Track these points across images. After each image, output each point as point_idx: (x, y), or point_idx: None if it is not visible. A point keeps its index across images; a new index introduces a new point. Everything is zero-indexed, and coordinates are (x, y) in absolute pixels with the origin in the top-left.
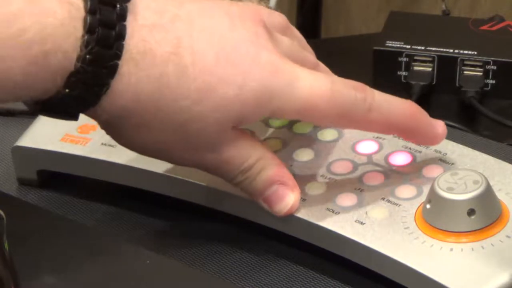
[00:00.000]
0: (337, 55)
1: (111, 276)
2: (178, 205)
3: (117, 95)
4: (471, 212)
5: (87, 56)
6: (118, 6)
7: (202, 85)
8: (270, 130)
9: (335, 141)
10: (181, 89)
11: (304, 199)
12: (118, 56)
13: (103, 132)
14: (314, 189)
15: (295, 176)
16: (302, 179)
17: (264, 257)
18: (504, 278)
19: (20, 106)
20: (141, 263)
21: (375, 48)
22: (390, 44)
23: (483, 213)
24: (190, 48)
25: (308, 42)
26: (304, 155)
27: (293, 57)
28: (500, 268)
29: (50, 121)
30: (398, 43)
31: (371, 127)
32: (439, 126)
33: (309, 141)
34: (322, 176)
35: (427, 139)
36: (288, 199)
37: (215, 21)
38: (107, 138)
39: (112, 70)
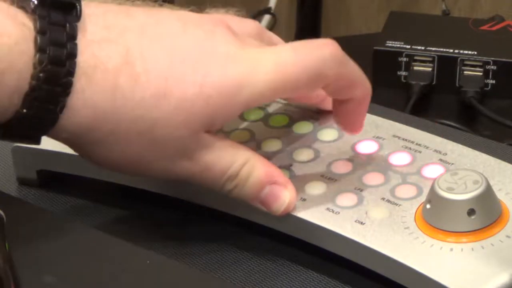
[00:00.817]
0: None
1: (111, 276)
2: (177, 205)
3: (74, 112)
4: (471, 212)
5: (41, 75)
6: (67, 25)
7: (157, 90)
8: (270, 130)
9: (335, 141)
10: (135, 98)
11: (304, 199)
12: (71, 73)
13: None
14: (314, 189)
15: (295, 176)
16: (302, 179)
17: (264, 257)
18: (504, 278)
19: None
20: (141, 263)
21: (375, 48)
22: (390, 44)
23: (483, 213)
24: (140, 57)
25: None
26: (304, 155)
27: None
28: (500, 268)
29: None
30: (398, 43)
31: (340, 82)
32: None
33: (309, 141)
34: (322, 176)
35: (362, 118)
36: (283, 197)
37: (166, 28)
38: None
39: (66, 87)
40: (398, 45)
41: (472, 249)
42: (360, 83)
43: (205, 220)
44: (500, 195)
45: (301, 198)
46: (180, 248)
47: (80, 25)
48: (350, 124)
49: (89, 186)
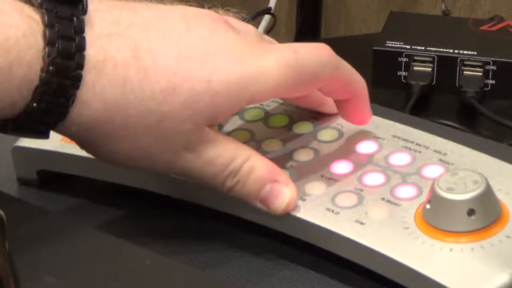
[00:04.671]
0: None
1: (111, 276)
2: (177, 205)
3: (84, 105)
4: (471, 212)
5: (50, 68)
6: (75, 19)
7: (166, 85)
8: (270, 130)
9: (335, 141)
10: (145, 92)
11: (304, 199)
12: (80, 66)
13: None
14: (314, 189)
15: (295, 176)
16: (302, 179)
17: (264, 258)
18: (504, 278)
19: None
20: (141, 263)
21: (375, 48)
22: (390, 44)
23: (483, 213)
24: (149, 51)
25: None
26: (304, 155)
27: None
28: (500, 268)
29: None
30: (398, 43)
31: (334, 84)
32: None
33: (309, 141)
34: (322, 176)
35: (366, 115)
36: (283, 195)
37: (171, 24)
38: None
39: (76, 80)
40: (398, 45)
41: (472, 249)
42: (354, 81)
43: (204, 220)
44: (500, 195)
45: (301, 198)
46: (180, 248)
47: (86, 19)
48: (358, 119)
49: (89, 186)
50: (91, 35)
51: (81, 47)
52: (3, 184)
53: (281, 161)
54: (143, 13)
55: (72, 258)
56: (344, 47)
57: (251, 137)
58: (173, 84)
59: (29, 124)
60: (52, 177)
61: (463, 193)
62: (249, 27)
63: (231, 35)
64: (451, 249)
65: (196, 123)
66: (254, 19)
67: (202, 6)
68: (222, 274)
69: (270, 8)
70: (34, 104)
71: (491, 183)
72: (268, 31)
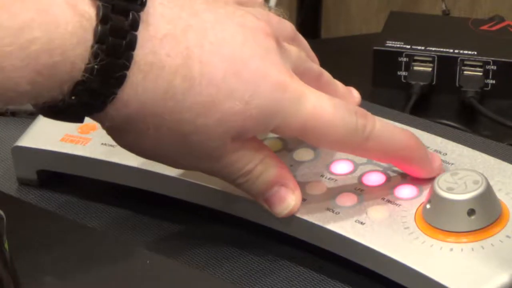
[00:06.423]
0: (337, 55)
1: (111, 276)
2: (178, 205)
3: (122, 104)
4: (471, 212)
5: (96, 66)
6: (130, 15)
7: (208, 99)
8: None
9: None
10: (186, 101)
11: (304, 199)
12: (126, 66)
13: (103, 132)
14: (314, 189)
15: (295, 176)
16: (302, 179)
17: (265, 258)
18: (504, 278)
19: (21, 106)
20: (141, 263)
21: (375, 48)
22: (390, 44)
23: (483, 213)
24: (199, 60)
25: (308, 42)
26: (304, 155)
27: (300, 69)
28: (500, 268)
29: (50, 121)
30: (398, 43)
31: (365, 154)
32: (435, 160)
33: None
34: (322, 176)
35: (422, 172)
36: (289, 200)
37: (228, 33)
38: (107, 138)
39: (120, 80)
40: (398, 45)
41: (472, 249)
42: (395, 151)
43: (205, 220)
44: (500, 195)
45: (302, 198)
46: (180, 248)
47: (143, 15)
48: (418, 174)
49: (89, 186)
50: (144, 35)
51: (131, 46)
52: (3, 184)
53: (283, 163)
54: (203, 15)
55: (72, 258)
56: (344, 47)
57: None
58: (214, 98)
59: (65, 113)
60: (52, 177)
61: (463, 193)
62: (288, 28)
63: (279, 60)
64: (451, 249)
65: (223, 140)
66: None
67: None
68: (221, 274)
69: (270, 8)
70: (73, 98)
71: (491, 183)
72: None
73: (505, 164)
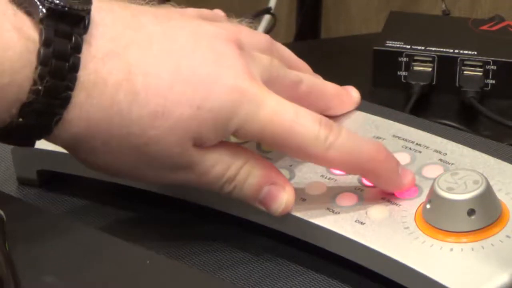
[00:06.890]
0: (337, 55)
1: (111, 276)
2: (178, 205)
3: (69, 124)
4: (471, 212)
5: (40, 87)
6: (73, 38)
7: (155, 109)
8: None
9: None
10: (132, 114)
11: (304, 199)
12: (70, 87)
13: None
14: (314, 189)
15: (295, 176)
16: (302, 179)
17: (264, 257)
18: (504, 278)
19: None
20: (141, 263)
21: (375, 48)
22: (390, 44)
23: (483, 213)
24: (143, 73)
25: (308, 42)
26: None
27: (272, 76)
28: (500, 268)
29: None
30: (398, 43)
31: (329, 165)
32: (406, 176)
33: None
34: (322, 176)
35: (390, 186)
36: (281, 197)
37: (177, 42)
38: None
39: (64, 101)
40: (398, 45)
41: (472, 249)
42: (359, 162)
43: (205, 220)
44: (500, 195)
45: (301, 198)
46: (180, 248)
47: (86, 37)
48: (385, 187)
49: (89, 186)
50: (86, 56)
51: (74, 68)
52: (3, 184)
53: (281, 161)
54: (149, 29)
55: (72, 258)
56: (344, 47)
57: None
58: (163, 108)
59: (14, 135)
60: (52, 177)
61: (463, 193)
62: (261, 40)
63: (238, 64)
64: (451, 249)
65: (182, 147)
66: (254, 19)
67: (205, 8)
68: (221, 274)
69: (270, 8)
70: (20, 120)
71: (491, 183)
72: (268, 31)
73: (505, 164)
